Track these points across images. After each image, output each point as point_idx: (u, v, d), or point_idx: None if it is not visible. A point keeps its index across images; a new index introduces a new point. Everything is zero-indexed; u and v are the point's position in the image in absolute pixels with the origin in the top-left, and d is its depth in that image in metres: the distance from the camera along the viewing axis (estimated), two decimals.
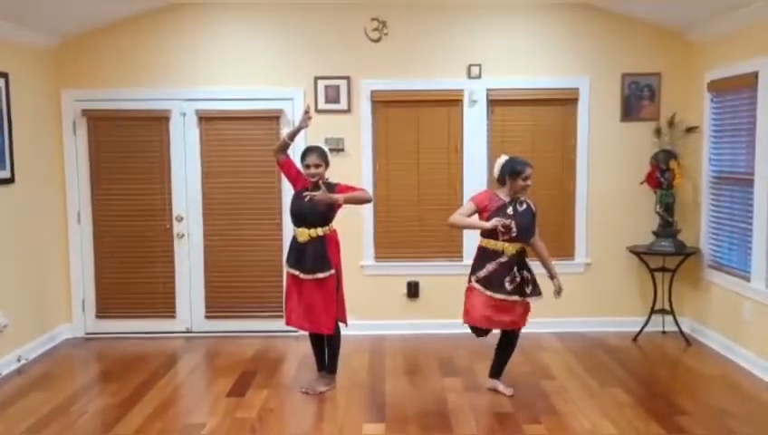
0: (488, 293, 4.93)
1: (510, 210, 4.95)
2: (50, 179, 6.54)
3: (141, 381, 5.52)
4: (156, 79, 6.62)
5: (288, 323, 5.23)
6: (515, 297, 4.95)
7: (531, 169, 4.99)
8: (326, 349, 5.30)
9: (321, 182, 4.97)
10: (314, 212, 5.01)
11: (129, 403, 5.06)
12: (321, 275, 5.01)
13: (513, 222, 4.89)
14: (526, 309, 5.07)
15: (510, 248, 4.94)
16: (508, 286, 4.92)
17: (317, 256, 5.02)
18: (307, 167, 5.04)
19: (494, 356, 5.26)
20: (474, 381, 5.42)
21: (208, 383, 5.58)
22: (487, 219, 4.94)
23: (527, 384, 5.39)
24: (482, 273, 4.97)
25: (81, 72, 6.61)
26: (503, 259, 4.93)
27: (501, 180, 5.04)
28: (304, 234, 5.05)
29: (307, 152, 5.08)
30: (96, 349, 6.50)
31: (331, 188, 5.04)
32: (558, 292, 5.13)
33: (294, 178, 5.17)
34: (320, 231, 5.05)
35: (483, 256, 5.01)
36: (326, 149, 5.22)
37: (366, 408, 4.99)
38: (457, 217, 5.02)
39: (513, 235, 4.91)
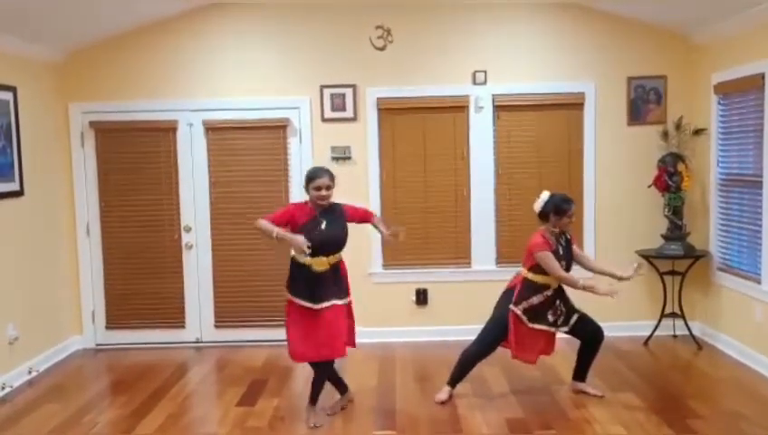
0: (528, 322, 4.96)
1: (561, 250, 5.00)
2: (58, 192, 6.58)
3: (152, 392, 5.53)
4: (162, 90, 6.65)
5: (296, 359, 4.78)
6: (553, 328, 5.03)
7: (574, 205, 5.04)
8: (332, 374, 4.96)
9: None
10: (338, 238, 4.72)
11: (140, 414, 5.07)
12: (339, 302, 4.72)
13: (565, 263, 4.98)
14: None
15: (555, 283, 4.98)
16: (550, 318, 4.99)
17: (336, 284, 4.73)
18: (318, 189, 4.64)
19: (576, 359, 5.28)
20: (484, 388, 5.40)
21: (218, 393, 5.58)
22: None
23: (538, 389, 5.38)
24: (526, 304, 4.97)
25: (88, 84, 6.65)
26: (548, 292, 4.97)
27: (544, 217, 5.02)
28: (323, 263, 4.66)
29: (318, 174, 4.69)
30: (106, 360, 6.52)
31: (337, 208, 4.78)
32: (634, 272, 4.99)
33: (289, 219, 4.71)
34: (337, 256, 4.74)
35: (531, 289, 4.98)
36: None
37: (376, 415, 4.99)
38: (563, 273, 4.93)
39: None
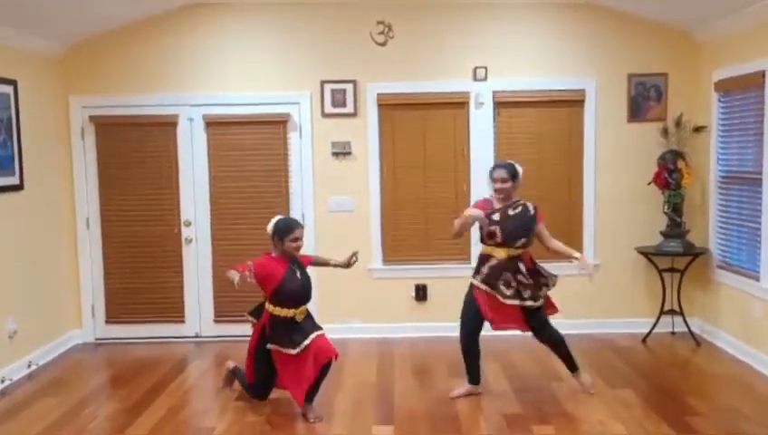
0: (490, 290, 4.97)
1: (496, 216, 4.97)
2: (58, 186, 6.58)
3: (151, 386, 5.54)
4: (163, 84, 6.65)
5: (303, 401, 4.79)
6: (513, 301, 4.96)
7: (502, 171, 5.03)
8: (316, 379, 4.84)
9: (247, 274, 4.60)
10: (310, 284, 4.88)
11: (139, 408, 5.08)
12: (318, 334, 4.79)
13: (498, 228, 4.93)
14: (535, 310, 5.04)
15: (500, 253, 4.96)
16: (505, 290, 4.95)
17: (312, 323, 4.85)
18: (295, 240, 4.77)
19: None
20: (483, 383, 5.39)
21: (217, 388, 5.58)
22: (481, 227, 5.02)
23: (536, 385, 5.39)
24: (479, 275, 5.04)
25: (89, 78, 6.65)
26: (493, 262, 4.97)
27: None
28: (304, 311, 4.83)
29: (294, 225, 4.82)
30: (106, 354, 6.53)
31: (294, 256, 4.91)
32: (585, 270, 4.96)
33: (271, 271, 4.72)
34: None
35: (479, 260, 5.09)
36: None
37: (375, 410, 5.00)
38: (454, 221, 5.05)
39: (499, 240, 4.94)
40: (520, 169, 5.11)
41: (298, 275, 4.80)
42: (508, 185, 5.01)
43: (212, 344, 6.67)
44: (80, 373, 6.02)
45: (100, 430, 4.74)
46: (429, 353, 6.23)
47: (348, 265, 5.14)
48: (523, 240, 4.98)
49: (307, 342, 4.70)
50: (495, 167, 5.15)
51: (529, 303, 4.98)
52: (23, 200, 5.97)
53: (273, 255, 4.81)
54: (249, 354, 5.02)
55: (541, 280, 5.04)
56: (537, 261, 5.14)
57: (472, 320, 5.07)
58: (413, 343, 6.55)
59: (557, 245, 5.09)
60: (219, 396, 5.35)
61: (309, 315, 4.89)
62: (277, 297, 4.75)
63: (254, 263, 4.67)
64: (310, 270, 4.99)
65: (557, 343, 5.16)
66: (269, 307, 4.80)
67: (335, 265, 5.18)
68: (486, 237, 4.99)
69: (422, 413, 4.89)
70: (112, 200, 6.76)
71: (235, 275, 4.54)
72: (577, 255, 5.02)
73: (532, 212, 5.05)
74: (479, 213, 4.92)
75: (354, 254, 5.12)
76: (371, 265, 6.78)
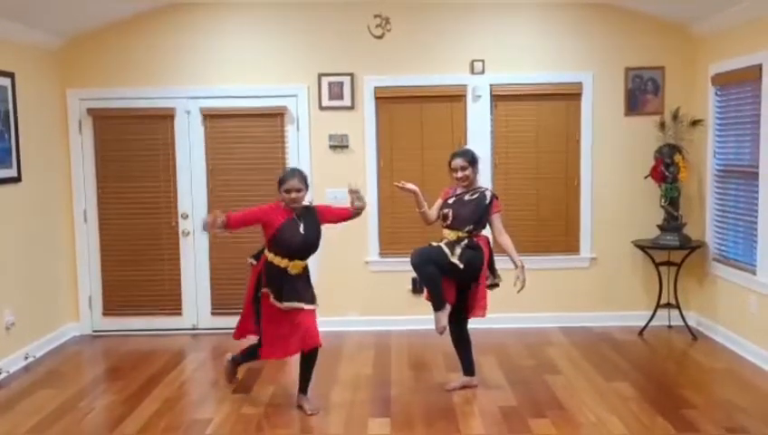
0: None
1: (452, 200, 5.10)
2: (56, 178, 6.58)
3: (148, 378, 5.55)
4: (160, 77, 6.64)
5: (272, 356, 4.79)
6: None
7: (461, 159, 5.07)
8: (305, 369, 4.85)
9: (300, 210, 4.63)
10: (315, 241, 4.75)
11: (136, 400, 5.09)
12: (308, 307, 4.70)
13: (450, 211, 5.05)
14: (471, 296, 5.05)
15: (450, 235, 5.03)
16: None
17: (306, 289, 4.75)
18: (288, 191, 4.63)
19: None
20: (478, 376, 5.39)
21: (214, 380, 5.59)
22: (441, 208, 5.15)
23: (533, 379, 5.39)
24: None
25: (86, 71, 6.64)
26: (444, 241, 5.04)
27: None
28: (299, 266, 4.70)
29: (288, 176, 4.69)
30: (103, 346, 6.54)
31: (310, 211, 4.79)
32: (519, 283, 4.91)
33: (262, 219, 4.67)
34: (308, 260, 4.80)
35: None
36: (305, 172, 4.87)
37: (371, 403, 5.01)
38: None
39: (449, 222, 5.06)
40: (478, 155, 5.18)
41: (301, 228, 4.66)
42: (469, 172, 5.07)
43: (209, 336, 6.67)
44: (77, 365, 6.03)
45: (97, 422, 4.75)
46: (426, 346, 6.23)
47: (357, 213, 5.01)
48: (470, 226, 5.00)
49: (296, 305, 4.61)
50: (453, 156, 5.15)
51: (455, 259, 4.90)
52: (20, 193, 5.97)
53: (282, 204, 4.70)
54: (246, 306, 4.88)
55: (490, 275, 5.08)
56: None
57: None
58: (409, 335, 6.56)
59: (506, 242, 5.03)
60: (216, 388, 5.36)
61: (305, 277, 4.77)
62: (274, 245, 4.66)
63: (243, 214, 4.69)
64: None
65: (463, 342, 5.21)
66: (267, 253, 4.72)
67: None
68: (442, 219, 5.13)
69: (418, 406, 4.91)
70: (110, 193, 6.76)
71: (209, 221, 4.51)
72: (519, 263, 4.95)
73: (488, 201, 5.06)
74: (413, 187, 5.07)
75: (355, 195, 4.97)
76: (368, 258, 6.79)
